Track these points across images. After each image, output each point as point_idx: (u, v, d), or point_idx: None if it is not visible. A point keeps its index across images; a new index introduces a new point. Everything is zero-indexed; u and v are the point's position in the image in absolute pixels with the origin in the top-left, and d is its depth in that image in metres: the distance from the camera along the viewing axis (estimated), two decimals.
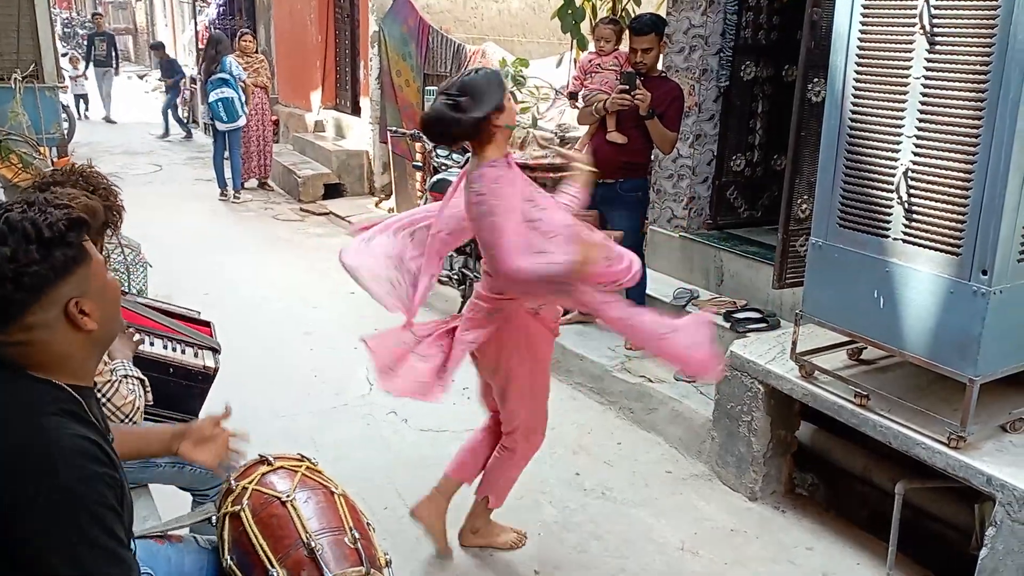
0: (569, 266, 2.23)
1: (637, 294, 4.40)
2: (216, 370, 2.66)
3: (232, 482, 1.90)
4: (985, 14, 2.39)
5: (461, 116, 2.42)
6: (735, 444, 3.42)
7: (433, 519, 2.96)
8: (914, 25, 2.57)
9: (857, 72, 2.77)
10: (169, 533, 1.95)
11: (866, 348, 3.12)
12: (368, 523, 1.88)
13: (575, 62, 5.69)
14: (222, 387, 2.84)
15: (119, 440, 1.60)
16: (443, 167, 5.74)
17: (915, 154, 2.62)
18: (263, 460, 1.94)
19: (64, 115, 8.95)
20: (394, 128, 7.54)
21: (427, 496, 2.97)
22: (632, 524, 3.23)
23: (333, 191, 9.02)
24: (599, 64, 4.45)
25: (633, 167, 4.29)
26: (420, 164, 6.69)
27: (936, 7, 2.51)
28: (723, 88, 4.67)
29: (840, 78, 2.83)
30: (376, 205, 8.47)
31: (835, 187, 2.89)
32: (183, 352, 2.60)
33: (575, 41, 5.70)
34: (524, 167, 2.93)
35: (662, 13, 4.63)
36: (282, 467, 1.92)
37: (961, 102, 2.48)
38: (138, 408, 2.10)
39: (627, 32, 4.31)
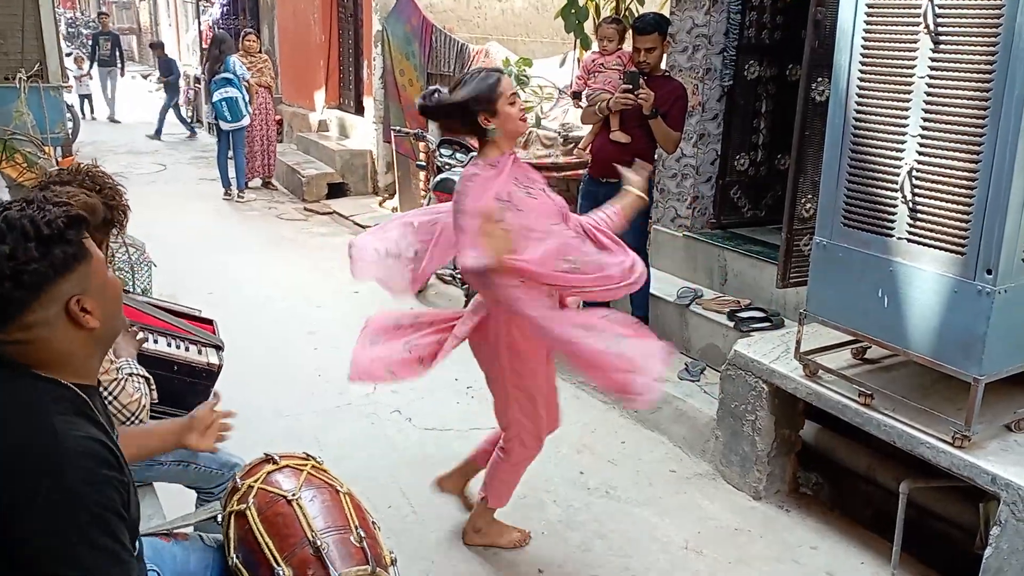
0: (483, 260, 2.31)
1: (640, 294, 4.41)
2: (220, 367, 2.66)
3: (238, 480, 1.91)
4: (990, 13, 2.39)
5: (441, 96, 2.55)
6: (739, 443, 3.42)
7: (453, 490, 3.19)
8: (918, 24, 2.57)
9: (861, 71, 2.77)
10: (175, 531, 1.96)
11: (870, 347, 3.12)
12: (373, 522, 1.89)
13: (578, 61, 5.69)
14: (226, 386, 2.85)
15: (124, 443, 1.61)
16: (447, 166, 5.73)
17: (919, 153, 2.62)
18: (268, 459, 1.95)
19: (68, 115, 8.98)
20: (398, 127, 7.55)
21: (450, 471, 3.17)
22: (636, 523, 3.24)
23: (337, 190, 9.03)
24: (602, 63, 4.45)
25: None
26: (424, 163, 6.70)
27: (940, 6, 2.51)
28: (727, 87, 4.66)
29: (844, 77, 2.82)
30: (380, 204, 8.48)
31: (839, 186, 2.89)
32: (187, 349, 2.61)
33: (578, 40, 5.70)
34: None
35: (665, 12, 4.63)
36: (287, 466, 1.93)
37: (965, 101, 2.47)
38: (144, 406, 2.10)
39: (630, 31, 4.31)
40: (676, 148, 4.38)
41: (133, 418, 2.07)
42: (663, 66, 4.39)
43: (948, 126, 2.53)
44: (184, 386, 2.55)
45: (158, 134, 12.87)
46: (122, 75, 14.70)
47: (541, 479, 3.41)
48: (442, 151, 5.93)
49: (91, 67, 14.18)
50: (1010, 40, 2.33)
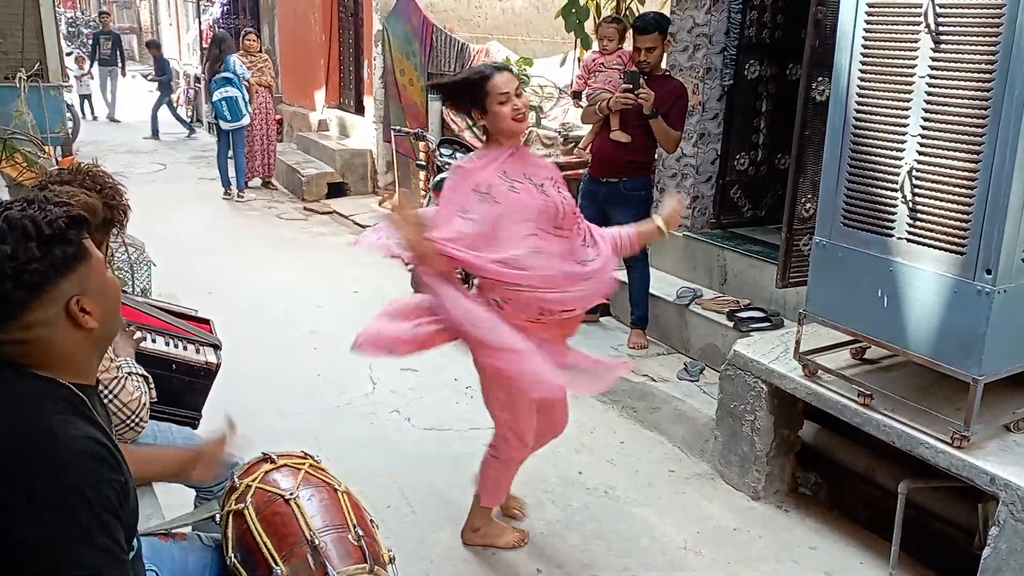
0: (384, 243, 2.38)
1: (640, 294, 4.42)
2: (218, 366, 2.66)
3: (235, 480, 1.91)
4: (990, 13, 2.38)
5: (443, 79, 2.70)
6: (738, 443, 3.42)
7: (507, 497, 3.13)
8: (919, 24, 2.57)
9: (862, 71, 2.77)
10: (173, 531, 1.95)
11: (870, 347, 3.12)
12: (371, 520, 1.89)
13: (579, 61, 5.69)
14: (226, 387, 2.85)
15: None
16: (447, 166, 5.73)
17: (920, 153, 2.61)
18: (266, 458, 1.95)
19: (68, 114, 8.98)
20: (398, 127, 7.55)
21: None
22: (635, 523, 3.23)
23: (337, 190, 9.03)
24: (603, 63, 4.45)
25: (637, 166, 4.29)
26: (424, 163, 6.70)
27: (941, 6, 2.51)
28: (727, 87, 4.66)
29: (844, 77, 2.82)
30: (380, 204, 8.47)
31: (839, 186, 2.88)
32: (185, 349, 2.61)
33: (579, 40, 5.70)
34: None
35: (666, 12, 4.63)
36: (285, 465, 1.93)
37: (966, 101, 2.47)
38: (144, 404, 2.10)
39: (631, 31, 4.31)
40: (676, 147, 4.39)
41: (134, 416, 2.07)
42: (663, 65, 4.39)
43: (948, 126, 2.53)
44: (182, 385, 2.55)
45: (155, 134, 12.87)
46: (123, 75, 14.71)
47: (540, 479, 3.41)
48: (442, 151, 5.93)
49: (91, 66, 14.17)
50: (1011, 40, 2.33)
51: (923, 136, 2.60)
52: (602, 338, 4.51)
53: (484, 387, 2.78)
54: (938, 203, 2.58)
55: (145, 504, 2.25)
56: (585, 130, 4.85)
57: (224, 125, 8.58)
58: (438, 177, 5.54)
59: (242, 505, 1.81)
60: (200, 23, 13.82)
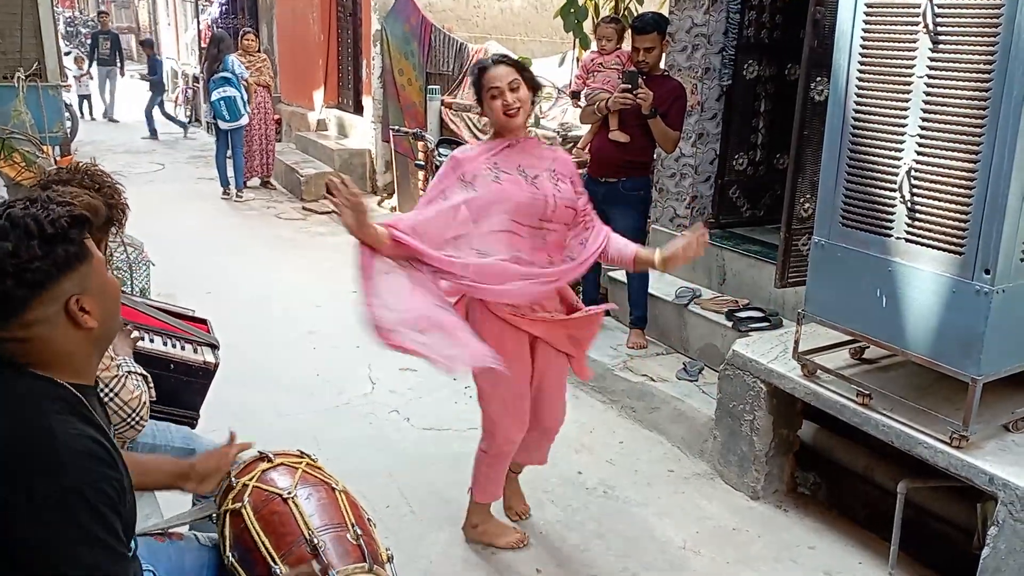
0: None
1: (639, 293, 4.42)
2: (216, 365, 2.66)
3: (232, 479, 1.90)
4: (989, 14, 2.38)
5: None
6: (737, 443, 3.42)
7: (515, 505, 3.22)
8: (917, 24, 2.57)
9: (860, 71, 2.77)
10: (170, 531, 1.95)
11: (868, 347, 3.12)
12: (369, 519, 1.89)
13: (577, 61, 5.69)
14: (224, 386, 2.85)
15: None
16: None
17: (918, 153, 2.61)
18: (263, 457, 1.95)
19: (67, 114, 8.97)
20: (396, 127, 7.56)
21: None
22: (634, 523, 3.23)
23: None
24: (601, 63, 4.45)
25: (635, 166, 4.29)
26: (423, 163, 6.70)
27: (940, 6, 2.51)
28: (725, 87, 4.66)
29: (843, 77, 2.82)
30: (379, 204, 8.48)
31: (838, 186, 2.89)
32: (183, 348, 2.60)
33: (577, 40, 5.70)
34: None
35: (664, 12, 4.63)
36: (282, 464, 1.92)
37: (965, 101, 2.47)
38: (144, 403, 2.10)
39: (629, 31, 4.31)
40: (675, 147, 4.38)
41: (134, 415, 2.06)
42: (662, 65, 4.39)
43: (947, 126, 2.53)
44: (180, 384, 2.55)
45: (153, 134, 12.87)
46: (122, 75, 14.69)
47: (539, 479, 3.40)
48: (440, 150, 5.93)
49: (90, 66, 14.16)
50: (1009, 40, 2.33)
51: (922, 136, 2.60)
52: (601, 338, 4.49)
53: (474, 380, 2.82)
54: (937, 203, 2.58)
55: (143, 504, 2.25)
56: (584, 130, 4.85)
57: (223, 125, 8.57)
58: (436, 187, 5.53)
59: (239, 504, 1.81)
60: (199, 23, 13.82)
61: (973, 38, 2.44)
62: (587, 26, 5.62)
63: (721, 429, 3.50)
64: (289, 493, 1.81)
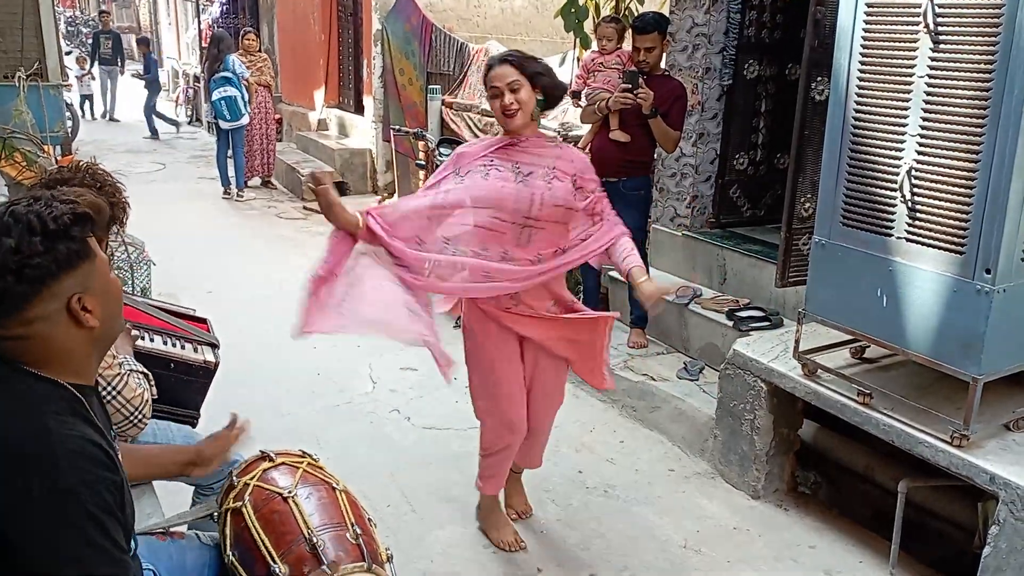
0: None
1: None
2: (216, 365, 2.66)
3: (233, 478, 1.90)
4: (989, 13, 2.38)
5: None
6: (738, 442, 3.42)
7: (517, 505, 3.22)
8: (918, 24, 2.57)
9: (861, 71, 2.77)
10: (171, 530, 1.95)
11: (869, 347, 3.12)
12: (369, 518, 1.89)
13: (578, 61, 5.68)
14: (226, 385, 2.85)
15: (126, 462, 1.60)
16: None
17: (919, 153, 2.61)
18: (264, 456, 1.95)
19: (68, 113, 8.98)
20: (397, 126, 7.55)
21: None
22: (635, 522, 3.23)
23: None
24: (602, 63, 4.45)
25: (636, 165, 4.29)
26: (423, 162, 6.69)
27: (940, 6, 2.50)
28: (726, 87, 4.66)
29: (844, 77, 2.82)
30: (379, 203, 8.48)
31: (838, 186, 2.88)
32: (183, 348, 2.61)
33: (578, 40, 5.69)
34: None
35: (665, 11, 4.63)
36: (283, 463, 1.92)
37: (965, 101, 2.47)
38: (147, 401, 2.10)
39: (630, 31, 4.31)
40: (675, 147, 4.38)
41: (137, 413, 2.07)
42: (663, 65, 4.39)
43: (947, 126, 2.53)
44: (181, 384, 2.55)
45: (154, 133, 12.88)
46: (122, 74, 14.71)
47: (540, 478, 3.40)
48: (441, 150, 5.92)
49: (92, 66, 14.17)
50: (1010, 40, 2.32)
51: (922, 136, 2.60)
52: None
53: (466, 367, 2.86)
54: (937, 202, 2.58)
55: (144, 503, 2.25)
56: (584, 130, 4.84)
57: (223, 124, 8.58)
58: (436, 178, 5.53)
59: (240, 503, 1.81)
60: (199, 22, 13.83)
61: (974, 38, 2.43)
62: (588, 26, 5.61)
63: (722, 428, 3.50)
64: (289, 492, 1.81)
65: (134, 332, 2.37)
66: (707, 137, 4.73)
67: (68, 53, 14.53)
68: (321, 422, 3.95)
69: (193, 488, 2.48)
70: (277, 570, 1.68)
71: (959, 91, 2.49)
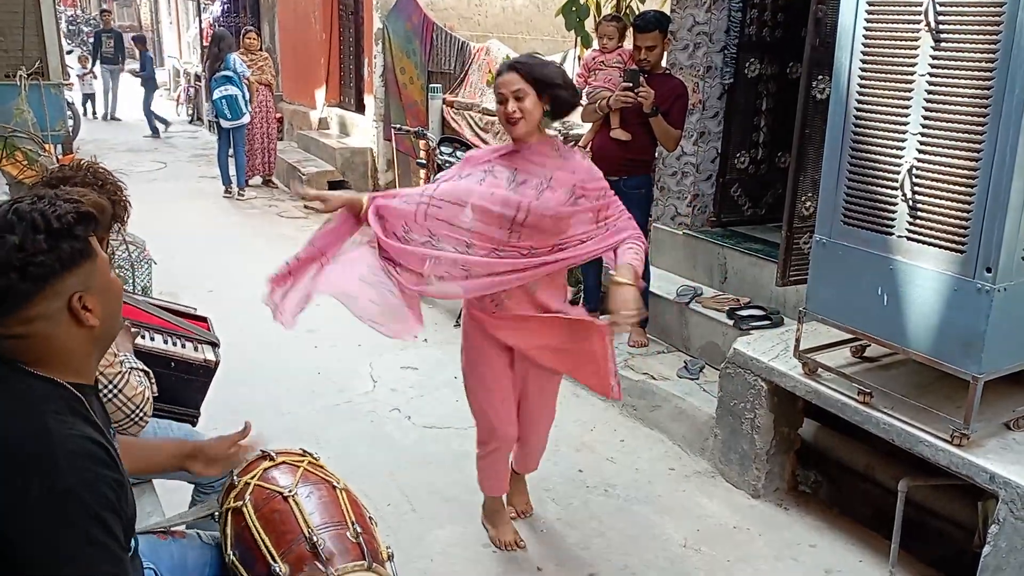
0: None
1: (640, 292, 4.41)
2: (217, 364, 2.66)
3: (234, 478, 1.91)
4: (991, 11, 2.38)
5: None
6: (738, 441, 3.42)
7: (518, 504, 3.23)
8: (919, 22, 2.57)
9: (862, 69, 2.77)
10: (172, 529, 1.95)
11: (870, 345, 3.11)
12: (370, 517, 1.89)
13: (579, 59, 5.68)
14: (226, 384, 2.86)
15: (126, 454, 1.60)
16: (447, 164, 5.73)
17: (920, 151, 2.61)
18: (265, 455, 1.95)
19: (69, 112, 8.98)
20: (398, 125, 7.55)
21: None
22: (635, 521, 3.24)
23: (337, 188, 9.02)
24: (603, 61, 4.45)
25: (637, 164, 4.29)
26: (424, 161, 6.70)
27: (941, 4, 2.50)
28: (727, 85, 4.66)
29: (845, 75, 2.82)
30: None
31: (839, 184, 2.88)
32: (183, 346, 2.61)
33: (579, 38, 5.69)
34: None
35: (666, 10, 4.62)
36: (284, 462, 1.92)
37: (966, 100, 2.47)
38: (148, 399, 2.10)
39: (631, 29, 4.31)
40: (676, 146, 4.38)
41: (138, 411, 2.07)
42: (664, 64, 4.38)
43: (948, 124, 2.53)
44: (181, 383, 2.55)
45: (155, 132, 12.88)
46: (122, 72, 14.71)
47: (540, 477, 3.40)
48: (442, 149, 5.93)
49: (94, 65, 14.18)
50: (1011, 38, 2.32)
51: (923, 134, 2.59)
52: None
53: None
54: (938, 201, 2.58)
55: (145, 502, 2.26)
56: (585, 128, 4.84)
57: (224, 123, 8.58)
58: (438, 175, 5.54)
59: (240, 503, 1.81)
60: (200, 21, 13.83)
61: (975, 36, 2.43)
62: (589, 24, 5.61)
63: (722, 427, 3.50)
64: (290, 491, 1.81)
65: (133, 330, 2.37)
66: (708, 136, 4.73)
67: (69, 52, 14.55)
68: (321, 421, 3.95)
69: (193, 486, 2.48)
70: (278, 569, 1.68)
71: (960, 90, 2.48)
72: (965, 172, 2.49)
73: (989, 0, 2.38)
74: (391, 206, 2.60)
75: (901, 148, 2.66)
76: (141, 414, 2.09)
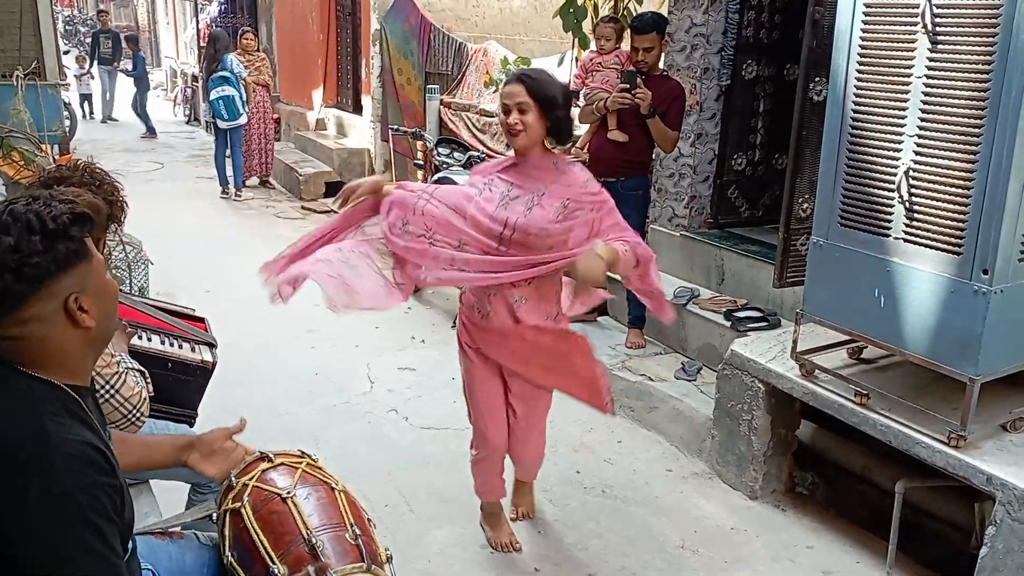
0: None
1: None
2: (214, 364, 2.66)
3: (232, 479, 1.90)
4: (987, 13, 2.39)
5: None
6: (735, 443, 3.42)
7: (523, 504, 3.25)
8: (916, 24, 2.57)
9: (859, 71, 2.77)
10: (170, 530, 1.95)
11: (866, 347, 3.12)
12: (369, 519, 1.88)
13: (576, 61, 5.69)
14: (224, 385, 2.85)
15: (123, 451, 1.59)
16: (444, 165, 5.74)
17: (916, 153, 2.62)
18: (263, 457, 1.94)
19: (66, 112, 8.96)
20: (395, 126, 7.54)
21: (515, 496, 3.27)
22: (632, 522, 3.24)
23: (334, 189, 9.01)
24: (600, 63, 4.45)
25: (634, 166, 4.29)
26: (421, 162, 6.69)
27: (938, 6, 2.51)
28: (724, 87, 4.66)
29: (842, 77, 2.83)
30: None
31: (836, 186, 2.89)
32: (180, 347, 2.61)
33: (576, 40, 5.69)
34: None
35: (664, 12, 4.63)
36: (282, 464, 1.92)
37: (963, 101, 2.48)
38: (144, 399, 2.10)
39: (628, 31, 4.31)
40: (674, 147, 4.39)
41: (135, 411, 2.06)
42: (661, 65, 4.39)
43: (945, 126, 2.53)
44: (178, 383, 2.55)
45: (152, 132, 12.85)
46: (118, 72, 14.68)
47: (538, 478, 3.40)
48: (439, 150, 5.93)
49: (91, 66, 14.15)
50: (1008, 40, 2.33)
51: (920, 136, 2.60)
52: (600, 337, 4.51)
53: None
54: (935, 203, 2.59)
55: (142, 503, 2.25)
56: (582, 130, 4.84)
57: (221, 124, 8.56)
58: (435, 176, 5.54)
59: (239, 504, 1.81)
60: (198, 22, 13.81)
61: (972, 38, 2.44)
62: (586, 26, 5.62)
63: (719, 429, 3.51)
64: (288, 493, 1.80)
65: (129, 330, 2.37)
66: (705, 137, 4.74)
67: (66, 52, 14.50)
68: (319, 422, 3.94)
69: (189, 486, 2.47)
70: (276, 571, 1.67)
71: (957, 91, 2.49)
72: (962, 174, 2.49)
73: (986, 2, 2.39)
74: (403, 196, 2.61)
75: (898, 150, 2.67)
76: (138, 414, 2.08)
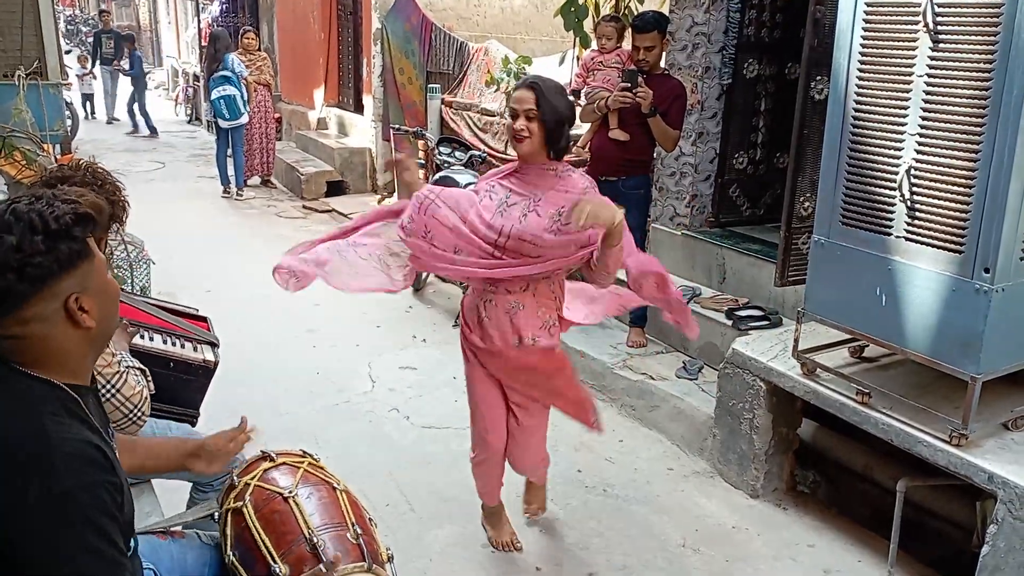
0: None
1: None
2: (216, 364, 2.66)
3: (234, 478, 1.91)
4: (989, 12, 2.39)
5: None
6: (737, 441, 3.42)
7: (535, 501, 3.25)
8: (918, 23, 2.57)
9: (860, 70, 2.77)
10: (171, 529, 1.95)
11: (868, 346, 3.12)
12: (370, 518, 1.89)
13: (578, 60, 5.68)
14: (225, 385, 2.85)
15: (128, 454, 1.59)
16: (445, 164, 5.74)
17: (918, 152, 2.62)
18: (265, 456, 1.95)
19: (67, 112, 8.97)
20: (397, 126, 7.55)
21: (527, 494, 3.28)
22: (633, 521, 3.24)
23: (336, 188, 9.03)
24: (601, 62, 4.45)
25: (635, 164, 4.29)
26: (423, 162, 6.70)
27: (940, 5, 2.51)
28: (726, 86, 4.66)
29: (843, 76, 2.82)
30: (379, 203, 8.48)
31: (838, 185, 2.89)
32: (182, 347, 2.61)
33: (578, 39, 5.69)
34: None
35: (665, 11, 4.62)
36: (284, 463, 1.92)
37: (964, 100, 2.47)
38: (145, 398, 2.10)
39: (630, 30, 4.31)
40: (675, 146, 4.38)
41: (136, 410, 2.07)
42: (662, 64, 4.39)
43: (947, 125, 2.53)
44: (180, 383, 2.55)
45: (153, 131, 12.86)
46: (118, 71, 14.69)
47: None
48: (441, 149, 5.93)
49: (94, 65, 14.16)
50: (1009, 39, 2.33)
51: (921, 135, 2.60)
52: (601, 336, 4.51)
53: None
54: (936, 202, 2.59)
55: (144, 502, 2.26)
56: (584, 129, 4.84)
57: (223, 124, 8.57)
58: (437, 175, 5.54)
59: (240, 503, 1.81)
60: (199, 21, 13.81)
61: (973, 37, 2.44)
62: (587, 25, 5.61)
63: (721, 427, 3.51)
64: (290, 492, 1.81)
65: (131, 329, 2.37)
66: (706, 136, 4.73)
67: (68, 52, 14.50)
68: (320, 421, 3.95)
69: (191, 485, 2.48)
70: (278, 570, 1.68)
71: (958, 90, 2.49)
72: (963, 172, 2.49)
73: (987, 1, 2.39)
74: (416, 195, 2.63)
75: (899, 148, 2.67)
76: (139, 413, 2.08)
